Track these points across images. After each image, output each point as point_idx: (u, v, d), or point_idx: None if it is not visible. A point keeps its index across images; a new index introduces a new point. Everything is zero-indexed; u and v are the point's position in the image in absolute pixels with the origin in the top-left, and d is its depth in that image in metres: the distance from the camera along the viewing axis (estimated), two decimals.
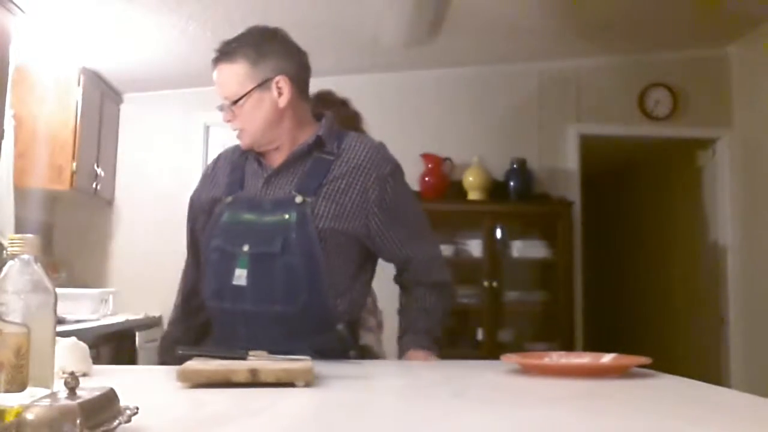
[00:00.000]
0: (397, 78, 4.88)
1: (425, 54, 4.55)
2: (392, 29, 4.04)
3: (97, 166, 4.26)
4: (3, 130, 3.23)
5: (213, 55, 1.69)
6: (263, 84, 1.64)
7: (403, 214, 1.72)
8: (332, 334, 1.63)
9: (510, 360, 1.44)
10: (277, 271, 1.58)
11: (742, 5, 4.22)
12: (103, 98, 4.38)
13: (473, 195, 4.61)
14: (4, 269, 0.92)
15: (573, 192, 4.83)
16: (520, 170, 4.68)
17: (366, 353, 1.76)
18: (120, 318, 3.83)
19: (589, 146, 4.92)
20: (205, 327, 1.76)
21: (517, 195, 4.63)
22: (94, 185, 4.22)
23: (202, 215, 1.76)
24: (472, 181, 4.61)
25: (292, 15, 3.84)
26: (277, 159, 1.70)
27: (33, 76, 3.81)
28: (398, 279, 1.81)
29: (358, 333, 1.76)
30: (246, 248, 1.61)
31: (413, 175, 4.67)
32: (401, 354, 1.71)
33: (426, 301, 1.77)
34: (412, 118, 4.86)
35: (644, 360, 1.41)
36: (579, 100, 4.93)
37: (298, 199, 1.62)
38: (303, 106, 1.72)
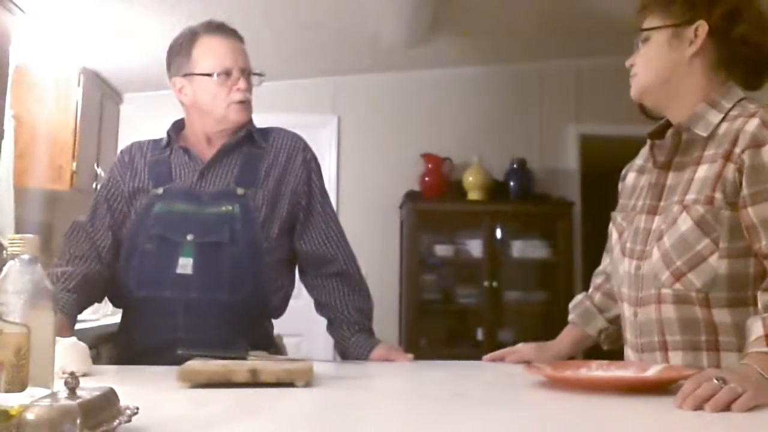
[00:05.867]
0: (397, 78, 4.88)
1: (425, 54, 4.55)
2: (392, 29, 4.04)
3: (97, 166, 4.25)
4: (3, 130, 3.23)
5: (215, 24, 1.75)
6: None
7: (325, 200, 1.80)
8: (262, 329, 1.72)
9: (537, 373, 1.23)
10: (224, 260, 1.62)
11: None
12: (103, 98, 4.38)
13: (473, 195, 4.61)
14: (5, 269, 0.92)
15: (573, 192, 4.83)
16: (520, 170, 4.68)
17: (280, 350, 1.80)
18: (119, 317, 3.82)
19: (589, 146, 4.92)
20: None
21: (517, 195, 4.63)
22: (94, 185, 4.21)
23: (123, 202, 1.75)
24: (472, 181, 4.61)
25: (292, 15, 3.84)
26: (207, 151, 1.74)
27: (33, 76, 3.81)
28: (313, 270, 1.78)
29: (273, 330, 1.80)
30: (190, 237, 1.63)
31: (413, 175, 4.68)
32: (359, 354, 1.68)
33: (355, 297, 1.75)
34: (412, 118, 4.86)
35: (692, 373, 1.11)
36: (579, 100, 4.93)
37: (240, 191, 1.68)
38: None
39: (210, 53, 1.70)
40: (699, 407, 0.96)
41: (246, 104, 1.71)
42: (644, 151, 1.51)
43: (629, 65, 1.42)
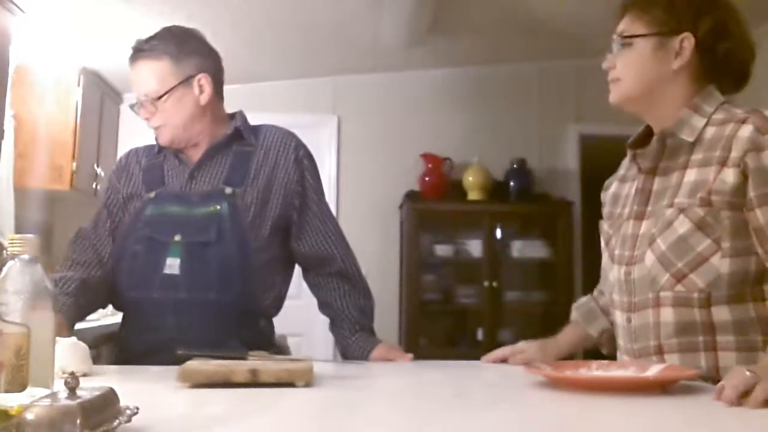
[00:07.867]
0: (397, 78, 4.87)
1: (425, 54, 4.55)
2: (392, 29, 4.04)
3: (97, 166, 4.25)
4: (3, 130, 3.23)
5: (133, 48, 1.73)
6: (185, 81, 1.69)
7: (321, 199, 1.77)
8: (256, 329, 1.69)
9: (536, 373, 1.21)
10: (212, 260, 1.61)
11: (741, 4, 4.22)
12: (103, 98, 4.38)
13: (473, 195, 4.61)
14: (4, 269, 0.92)
15: (573, 192, 4.83)
16: (520, 170, 4.68)
17: (282, 350, 1.78)
18: (120, 318, 3.82)
19: (589, 146, 4.92)
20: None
21: (517, 195, 4.63)
22: (94, 185, 4.22)
23: (120, 207, 1.76)
24: (472, 181, 4.61)
25: (292, 15, 3.84)
26: (196, 154, 1.73)
27: (33, 76, 3.81)
28: (313, 270, 1.78)
29: (274, 330, 1.79)
30: (178, 238, 1.63)
31: (413, 175, 4.68)
32: (358, 354, 1.67)
33: (355, 296, 1.74)
34: (412, 118, 4.86)
35: (693, 373, 1.17)
36: (579, 100, 4.93)
37: (228, 190, 1.66)
38: (220, 105, 1.78)
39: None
40: (736, 402, 0.97)
41: (160, 129, 1.70)
42: (625, 161, 1.52)
43: (607, 68, 1.40)
